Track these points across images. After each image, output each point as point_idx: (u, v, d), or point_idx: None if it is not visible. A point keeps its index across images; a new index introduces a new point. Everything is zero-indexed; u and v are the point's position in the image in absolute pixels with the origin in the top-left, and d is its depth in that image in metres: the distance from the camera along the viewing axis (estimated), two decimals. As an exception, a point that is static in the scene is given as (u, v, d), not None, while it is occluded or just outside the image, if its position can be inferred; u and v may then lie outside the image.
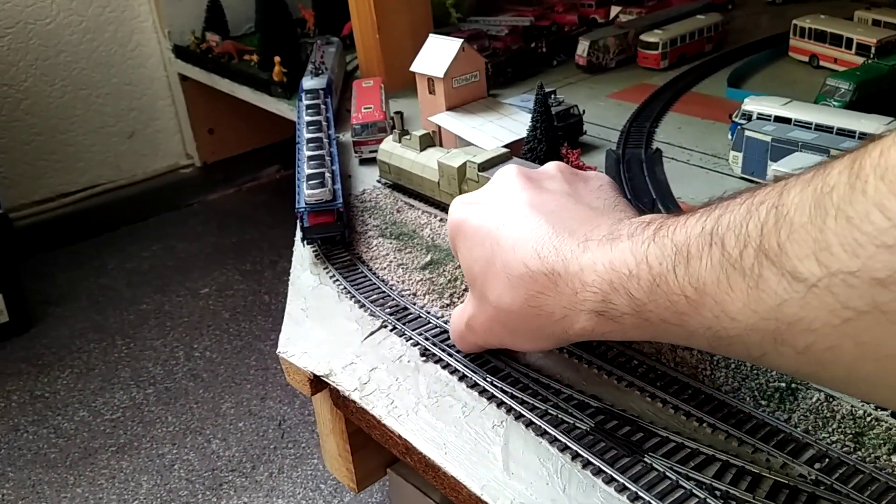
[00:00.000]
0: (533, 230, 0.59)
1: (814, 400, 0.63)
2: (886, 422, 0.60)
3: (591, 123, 1.29)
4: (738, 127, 1.05)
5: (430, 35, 1.19)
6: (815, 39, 1.48)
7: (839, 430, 0.61)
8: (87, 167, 2.37)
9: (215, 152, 2.51)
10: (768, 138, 1.00)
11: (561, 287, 0.55)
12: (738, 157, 1.04)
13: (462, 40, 1.13)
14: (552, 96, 1.21)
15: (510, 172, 0.67)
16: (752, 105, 1.11)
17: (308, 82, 1.39)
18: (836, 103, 1.16)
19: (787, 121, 1.06)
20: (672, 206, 1.00)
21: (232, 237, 2.20)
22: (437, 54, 1.16)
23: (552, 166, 0.69)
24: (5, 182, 1.93)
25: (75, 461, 1.37)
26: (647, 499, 0.56)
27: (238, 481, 1.28)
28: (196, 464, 1.32)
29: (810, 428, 0.61)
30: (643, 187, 1.05)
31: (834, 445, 0.59)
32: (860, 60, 1.36)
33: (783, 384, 0.65)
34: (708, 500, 0.55)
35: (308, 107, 1.28)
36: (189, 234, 2.24)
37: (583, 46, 1.60)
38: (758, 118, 1.09)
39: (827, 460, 0.58)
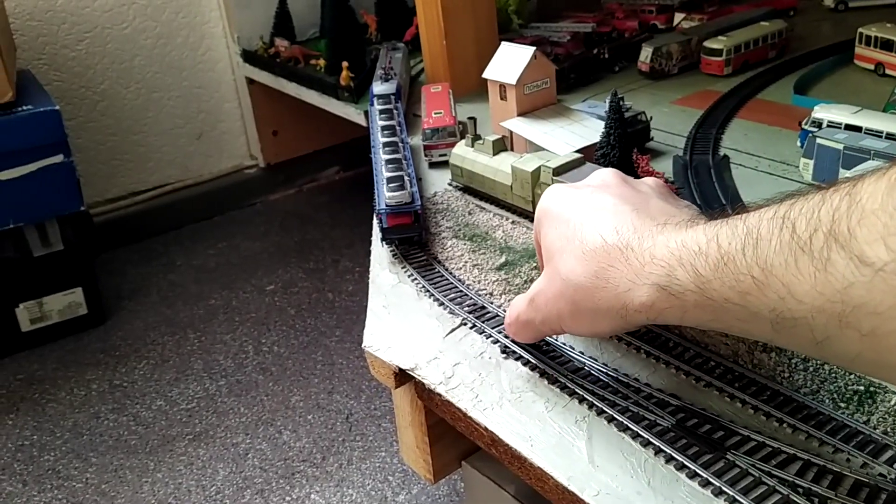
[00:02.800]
0: (616, 213, 0.62)
1: (892, 403, 0.64)
2: (967, 425, 0.61)
3: (656, 129, 1.30)
4: (809, 135, 1.06)
5: (503, 43, 1.21)
6: (880, 48, 1.47)
7: (919, 432, 0.62)
8: (157, 167, 2.45)
9: (278, 154, 2.57)
10: (840, 146, 1.00)
11: (630, 260, 0.57)
12: (809, 164, 1.05)
13: (534, 48, 1.16)
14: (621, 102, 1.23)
15: (609, 172, 0.70)
16: (822, 113, 1.11)
17: (378, 87, 1.42)
18: (905, 112, 1.16)
19: (857, 129, 1.06)
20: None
21: (294, 236, 2.25)
22: (509, 61, 1.18)
23: (650, 180, 0.71)
24: (81, 180, 2.00)
25: (154, 448, 1.42)
26: (732, 493, 0.58)
27: (309, 471, 1.32)
28: (269, 453, 1.37)
29: (889, 430, 0.62)
30: (712, 193, 1.07)
31: (914, 447, 0.60)
32: (927, 69, 1.35)
33: (861, 387, 0.66)
34: (791, 496, 0.57)
35: (381, 111, 1.31)
36: (253, 232, 2.29)
37: (646, 53, 1.61)
38: (828, 126, 1.09)
39: (907, 461, 0.59)
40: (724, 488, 0.58)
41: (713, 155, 1.20)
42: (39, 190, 1.73)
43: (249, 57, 2.30)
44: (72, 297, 1.82)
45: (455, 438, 0.90)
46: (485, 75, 1.20)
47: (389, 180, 1.03)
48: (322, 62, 1.97)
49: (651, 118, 1.25)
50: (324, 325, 1.75)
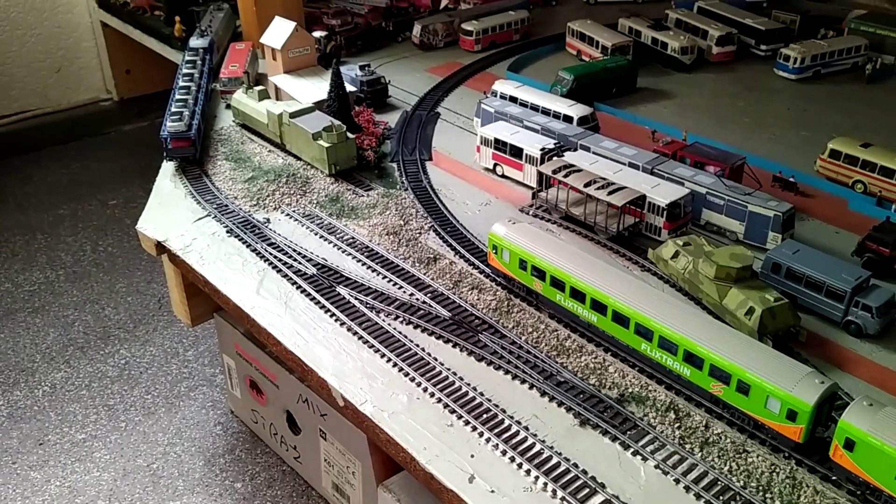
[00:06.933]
0: None
1: (445, 263, 1.03)
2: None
3: (403, 90, 1.64)
4: (480, 101, 1.43)
5: (276, 17, 1.53)
6: (580, 39, 1.86)
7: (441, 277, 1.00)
8: (20, 95, 2.61)
9: (131, 90, 2.78)
10: (492, 110, 1.38)
11: None
12: (478, 122, 1.42)
13: (295, 23, 1.48)
14: (366, 69, 1.56)
15: None
16: (498, 86, 1.49)
17: (194, 41, 1.70)
18: (561, 90, 1.55)
19: (515, 99, 1.44)
20: (426, 151, 1.37)
21: (140, 161, 2.46)
22: (279, 31, 1.50)
23: None
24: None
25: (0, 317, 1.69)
26: (334, 310, 0.95)
27: (122, 335, 1.62)
28: (92, 323, 1.66)
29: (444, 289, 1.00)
30: (413, 138, 1.43)
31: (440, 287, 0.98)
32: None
33: (431, 256, 1.04)
34: (370, 314, 0.94)
35: (187, 61, 1.60)
36: (104, 156, 2.50)
37: (416, 28, 1.94)
38: (500, 96, 1.47)
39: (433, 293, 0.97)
40: (329, 307, 0.95)
41: (430, 112, 1.56)
42: None
43: (103, 3, 2.49)
44: (-68, 199, 2.03)
45: (208, 296, 1.24)
46: (261, 41, 1.52)
47: (172, 114, 1.33)
48: (162, 14, 2.21)
49: (390, 81, 1.60)
50: (154, 233, 2.03)
